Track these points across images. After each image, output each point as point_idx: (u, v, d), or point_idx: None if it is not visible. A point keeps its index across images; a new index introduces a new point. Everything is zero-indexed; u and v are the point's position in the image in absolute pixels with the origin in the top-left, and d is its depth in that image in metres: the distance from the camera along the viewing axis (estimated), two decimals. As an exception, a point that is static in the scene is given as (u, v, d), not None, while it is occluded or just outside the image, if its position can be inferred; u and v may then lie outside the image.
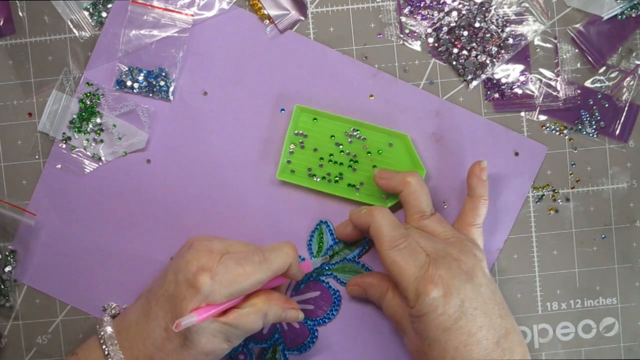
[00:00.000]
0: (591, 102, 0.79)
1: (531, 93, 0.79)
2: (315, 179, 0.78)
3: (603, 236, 0.80)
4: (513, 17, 0.78)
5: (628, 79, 0.79)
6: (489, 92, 0.79)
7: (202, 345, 0.67)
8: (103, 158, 0.78)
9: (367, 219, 0.71)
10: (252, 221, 0.78)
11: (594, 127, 0.79)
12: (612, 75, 0.79)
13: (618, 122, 0.79)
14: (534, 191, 0.80)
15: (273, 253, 0.69)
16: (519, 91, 0.79)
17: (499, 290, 0.71)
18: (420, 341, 0.69)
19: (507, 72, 0.79)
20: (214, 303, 0.66)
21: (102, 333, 0.70)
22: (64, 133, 0.77)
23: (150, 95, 0.78)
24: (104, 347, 0.69)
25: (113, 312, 0.75)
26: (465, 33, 0.78)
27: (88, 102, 0.77)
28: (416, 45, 0.79)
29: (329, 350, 0.79)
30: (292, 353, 0.79)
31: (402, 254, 0.69)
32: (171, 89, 0.78)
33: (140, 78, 0.77)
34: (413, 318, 0.69)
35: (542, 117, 0.79)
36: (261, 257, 0.68)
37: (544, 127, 0.79)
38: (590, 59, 0.78)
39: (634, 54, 0.79)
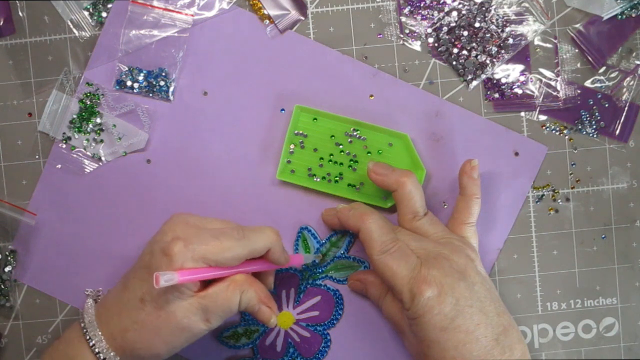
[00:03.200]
0: (591, 102, 0.79)
1: (531, 93, 0.79)
2: (315, 179, 0.78)
3: (603, 236, 0.80)
4: (513, 17, 0.78)
5: (628, 79, 0.79)
6: (489, 92, 0.79)
7: (178, 318, 0.66)
8: (103, 158, 0.78)
9: (357, 224, 0.71)
10: (252, 221, 0.78)
11: (594, 127, 0.79)
12: (612, 75, 0.79)
13: (618, 122, 0.79)
14: (534, 191, 0.80)
15: (253, 232, 0.68)
16: (519, 91, 0.79)
17: (494, 289, 0.71)
18: (419, 343, 0.69)
19: (507, 72, 0.79)
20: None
21: (82, 314, 0.70)
22: (64, 133, 0.77)
23: (150, 95, 0.78)
24: (82, 325, 0.69)
25: (96, 295, 0.76)
26: (465, 33, 0.78)
27: (88, 102, 0.77)
28: (416, 45, 0.79)
29: (346, 350, 0.80)
30: None
31: (394, 257, 0.69)
32: (171, 89, 0.78)
33: (140, 78, 0.77)
34: (410, 320, 0.69)
35: (542, 117, 0.79)
36: (240, 234, 0.67)
37: (544, 127, 0.79)
38: (590, 59, 0.79)
39: (634, 54, 0.79)
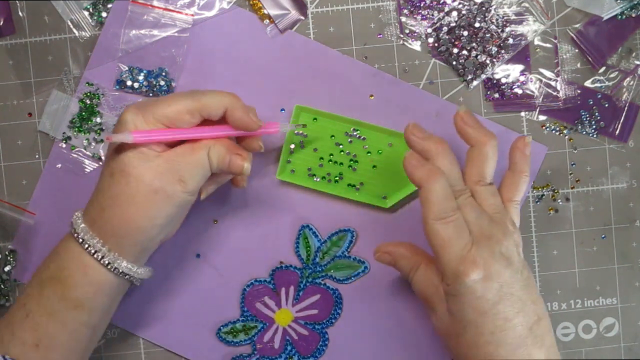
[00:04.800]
0: (591, 102, 0.79)
1: (531, 93, 0.79)
2: (315, 179, 0.78)
3: (603, 236, 0.80)
4: (513, 17, 0.78)
5: (628, 79, 0.79)
6: (489, 92, 0.79)
7: (149, 180, 0.65)
8: (103, 158, 0.78)
9: (422, 180, 0.67)
10: (251, 221, 0.78)
11: (594, 127, 0.79)
12: (612, 75, 0.79)
13: (618, 122, 0.79)
14: (534, 191, 0.80)
15: (208, 91, 0.68)
16: (519, 91, 0.79)
17: (532, 276, 0.70)
18: (453, 322, 0.68)
19: (507, 72, 0.79)
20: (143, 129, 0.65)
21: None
22: (64, 133, 0.77)
23: (151, 95, 0.78)
24: (70, 223, 0.69)
25: None
26: (465, 33, 0.78)
27: (88, 102, 0.77)
28: (416, 45, 0.79)
29: (343, 349, 0.80)
30: None
31: (447, 229, 0.66)
32: (171, 89, 0.78)
33: (141, 78, 0.77)
34: (448, 296, 0.68)
35: (542, 117, 0.79)
36: (192, 91, 0.67)
37: (544, 127, 0.79)
38: (590, 59, 0.79)
39: (634, 54, 0.79)
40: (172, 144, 0.67)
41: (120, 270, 0.67)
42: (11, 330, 0.67)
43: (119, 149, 0.66)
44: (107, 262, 0.66)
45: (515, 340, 0.66)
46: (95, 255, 0.66)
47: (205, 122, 0.68)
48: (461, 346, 0.68)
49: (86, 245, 0.66)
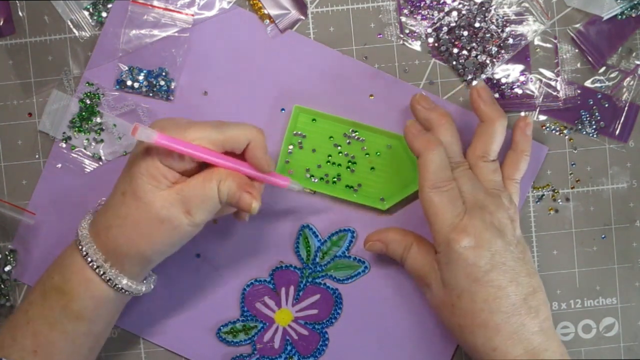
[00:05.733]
0: (591, 102, 0.79)
1: (531, 93, 0.79)
2: (313, 180, 0.78)
3: (603, 236, 0.80)
4: (513, 17, 0.78)
5: (628, 79, 0.79)
6: (489, 92, 0.79)
7: (157, 208, 0.65)
8: (103, 158, 0.78)
9: (420, 149, 0.70)
10: (250, 221, 0.78)
11: (594, 127, 0.79)
12: (612, 75, 0.79)
13: (618, 122, 0.79)
14: (534, 191, 0.80)
15: (233, 123, 0.67)
16: (519, 91, 0.79)
17: (528, 251, 0.72)
18: (448, 292, 0.70)
19: (507, 72, 0.79)
20: (164, 159, 0.65)
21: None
22: (64, 133, 0.77)
23: (151, 95, 0.78)
24: (76, 234, 0.69)
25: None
26: (465, 33, 0.78)
27: (88, 102, 0.77)
28: (416, 45, 0.79)
29: (344, 349, 0.80)
30: None
31: (442, 198, 0.69)
32: (171, 89, 0.78)
33: (141, 78, 0.77)
34: (442, 265, 0.70)
35: (542, 117, 0.79)
36: (218, 123, 0.67)
37: (544, 127, 0.79)
38: (590, 59, 0.78)
39: (634, 54, 0.79)
40: (186, 173, 0.67)
41: (121, 287, 0.68)
42: (12, 335, 0.68)
43: (135, 168, 0.66)
44: (108, 278, 0.67)
45: (508, 309, 0.68)
46: (97, 270, 0.67)
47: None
48: (455, 316, 0.70)
49: (89, 260, 0.67)
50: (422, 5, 0.78)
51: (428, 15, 0.78)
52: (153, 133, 0.62)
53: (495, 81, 0.79)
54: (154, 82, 0.77)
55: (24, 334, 0.68)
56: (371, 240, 0.76)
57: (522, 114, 0.79)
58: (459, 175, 0.71)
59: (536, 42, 0.79)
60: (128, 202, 0.66)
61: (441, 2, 0.78)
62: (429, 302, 0.74)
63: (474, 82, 0.76)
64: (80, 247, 0.68)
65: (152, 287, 0.72)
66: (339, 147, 0.78)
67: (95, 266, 0.67)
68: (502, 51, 0.78)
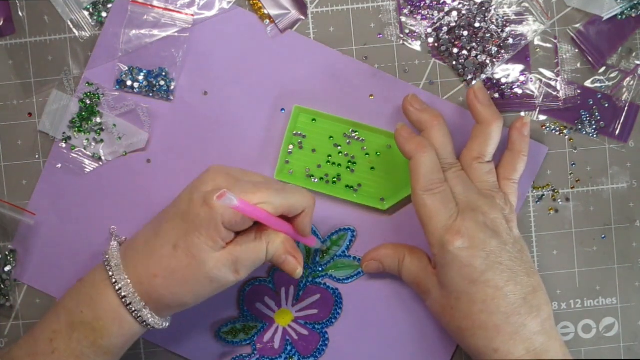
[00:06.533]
0: (591, 102, 0.79)
1: (531, 93, 0.79)
2: (313, 180, 0.78)
3: (603, 236, 0.80)
4: (513, 17, 0.78)
5: (628, 79, 0.79)
6: (489, 92, 0.79)
7: (209, 269, 0.66)
8: (103, 158, 0.78)
9: (411, 152, 0.71)
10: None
11: (594, 127, 0.79)
12: (612, 75, 0.79)
13: (618, 122, 0.79)
14: (534, 191, 0.80)
15: (294, 189, 0.68)
16: (519, 91, 0.79)
17: (526, 250, 0.72)
18: (446, 296, 0.70)
19: (507, 72, 0.79)
20: (226, 222, 0.65)
21: (107, 256, 0.69)
22: (64, 133, 0.77)
23: (151, 95, 0.78)
24: (107, 268, 0.68)
25: (119, 239, 0.75)
26: (465, 33, 0.78)
27: (88, 102, 0.77)
28: (416, 45, 0.79)
29: (344, 348, 0.80)
30: None
31: (434, 200, 0.69)
32: (171, 89, 0.78)
33: (141, 78, 0.77)
34: (438, 269, 0.70)
35: (542, 117, 0.79)
36: (280, 187, 0.67)
37: (544, 127, 0.79)
38: (590, 59, 0.78)
39: (634, 54, 0.78)
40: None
41: (152, 326, 0.69)
42: None
43: (195, 226, 0.65)
44: (143, 320, 0.68)
45: (507, 309, 0.68)
46: (134, 314, 0.68)
47: None
48: (455, 319, 0.70)
49: (127, 302, 0.67)
50: (422, 5, 0.78)
51: (428, 15, 0.78)
52: (235, 199, 0.61)
53: (495, 81, 0.79)
54: (154, 82, 0.77)
55: None
56: (366, 260, 0.77)
57: (522, 114, 0.79)
58: (451, 177, 0.72)
59: (536, 42, 0.79)
60: (179, 257, 0.66)
61: (441, 2, 0.78)
62: (430, 310, 0.74)
63: (473, 82, 0.76)
64: (117, 289, 0.67)
65: (168, 323, 0.72)
66: (339, 147, 0.78)
67: (133, 309, 0.67)
68: (502, 51, 0.78)
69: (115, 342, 0.69)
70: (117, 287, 0.67)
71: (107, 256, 0.69)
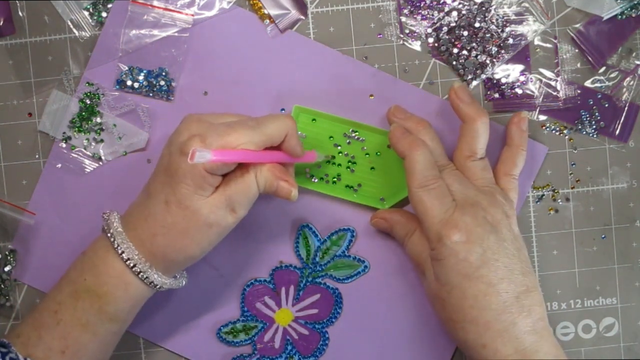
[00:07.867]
0: (591, 102, 0.79)
1: (531, 93, 0.79)
2: (313, 180, 0.78)
3: (603, 236, 0.80)
4: (513, 17, 0.78)
5: (628, 79, 0.79)
6: (489, 92, 0.79)
7: (205, 215, 0.66)
8: (103, 158, 0.78)
9: (405, 150, 0.71)
10: (249, 221, 0.78)
11: (594, 127, 0.79)
12: (612, 75, 0.79)
13: (618, 122, 0.79)
14: (534, 191, 0.80)
15: (268, 119, 0.68)
16: (519, 91, 0.79)
17: (524, 249, 0.72)
18: (439, 286, 0.70)
19: (507, 72, 0.79)
20: (208, 168, 0.65)
21: (107, 224, 0.69)
22: (64, 133, 0.77)
23: (151, 95, 0.78)
24: (109, 235, 0.69)
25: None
26: (465, 33, 0.78)
27: (88, 102, 0.77)
28: (416, 45, 0.79)
29: (344, 348, 0.80)
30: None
31: (430, 195, 0.69)
32: (171, 89, 0.78)
33: (141, 78, 0.77)
34: (434, 262, 0.70)
35: (542, 117, 0.79)
36: (255, 122, 0.67)
37: (544, 127, 0.79)
38: (590, 59, 0.78)
39: (634, 54, 0.79)
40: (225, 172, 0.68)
41: (161, 286, 0.69)
42: (39, 334, 0.68)
43: (178, 178, 0.66)
44: (151, 281, 0.68)
45: (499, 307, 0.68)
46: (140, 276, 0.68)
47: None
48: (447, 310, 0.70)
49: (131, 264, 0.67)
50: (422, 5, 0.78)
51: (428, 15, 0.78)
52: (208, 153, 0.61)
53: (495, 81, 0.79)
54: (154, 82, 0.77)
55: (53, 335, 0.68)
56: (378, 217, 0.77)
57: (522, 114, 0.79)
58: (447, 176, 0.72)
59: (536, 42, 0.79)
60: (173, 211, 0.66)
61: (441, 2, 0.78)
62: (425, 291, 0.74)
63: (458, 84, 0.75)
64: (120, 252, 0.68)
65: (185, 280, 0.73)
66: (339, 147, 0.78)
67: (138, 271, 0.68)
68: (502, 51, 0.78)
69: (121, 306, 0.69)
70: (120, 251, 0.67)
71: (107, 223, 0.70)
